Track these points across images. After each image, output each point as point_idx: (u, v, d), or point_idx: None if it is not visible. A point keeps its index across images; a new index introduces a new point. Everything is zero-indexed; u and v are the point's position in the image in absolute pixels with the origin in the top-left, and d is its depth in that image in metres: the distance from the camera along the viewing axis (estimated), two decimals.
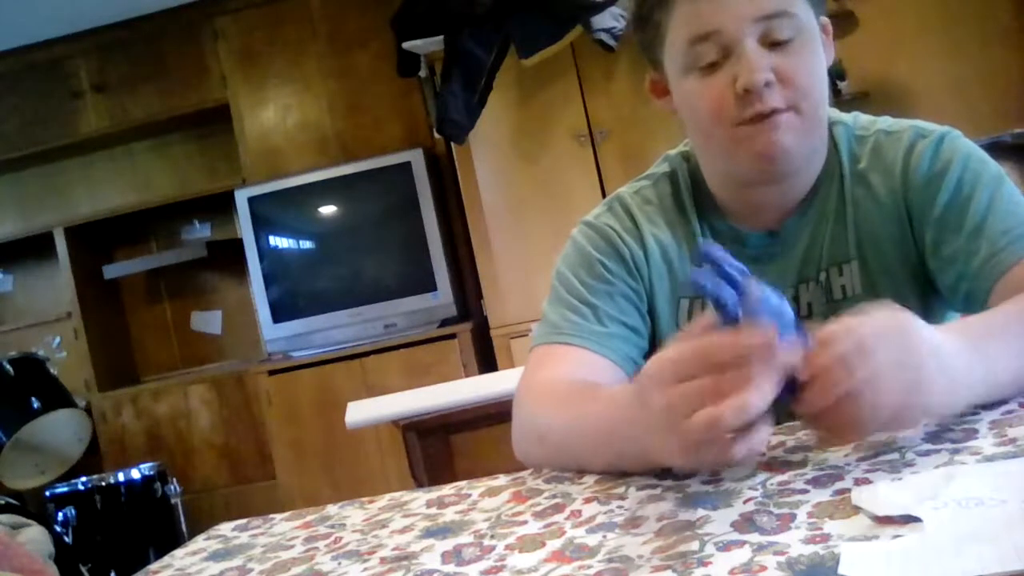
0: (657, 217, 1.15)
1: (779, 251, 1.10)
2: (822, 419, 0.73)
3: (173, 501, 3.65)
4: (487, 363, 3.87)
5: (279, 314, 4.13)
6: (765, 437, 0.70)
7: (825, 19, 1.05)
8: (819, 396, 0.71)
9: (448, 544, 0.78)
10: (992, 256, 0.97)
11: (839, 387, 0.70)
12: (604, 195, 3.62)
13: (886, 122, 1.11)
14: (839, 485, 0.70)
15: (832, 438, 0.76)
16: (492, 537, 0.77)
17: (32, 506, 3.50)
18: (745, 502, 0.71)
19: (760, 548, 0.61)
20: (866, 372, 0.70)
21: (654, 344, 1.14)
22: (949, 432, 0.77)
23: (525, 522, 0.79)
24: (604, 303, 1.11)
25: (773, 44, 0.98)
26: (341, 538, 0.87)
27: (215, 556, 0.91)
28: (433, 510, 0.90)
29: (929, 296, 1.07)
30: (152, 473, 3.65)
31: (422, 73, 3.95)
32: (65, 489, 3.55)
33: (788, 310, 0.72)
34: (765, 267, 1.10)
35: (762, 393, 0.66)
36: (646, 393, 0.73)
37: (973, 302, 0.99)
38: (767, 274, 1.11)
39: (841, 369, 0.70)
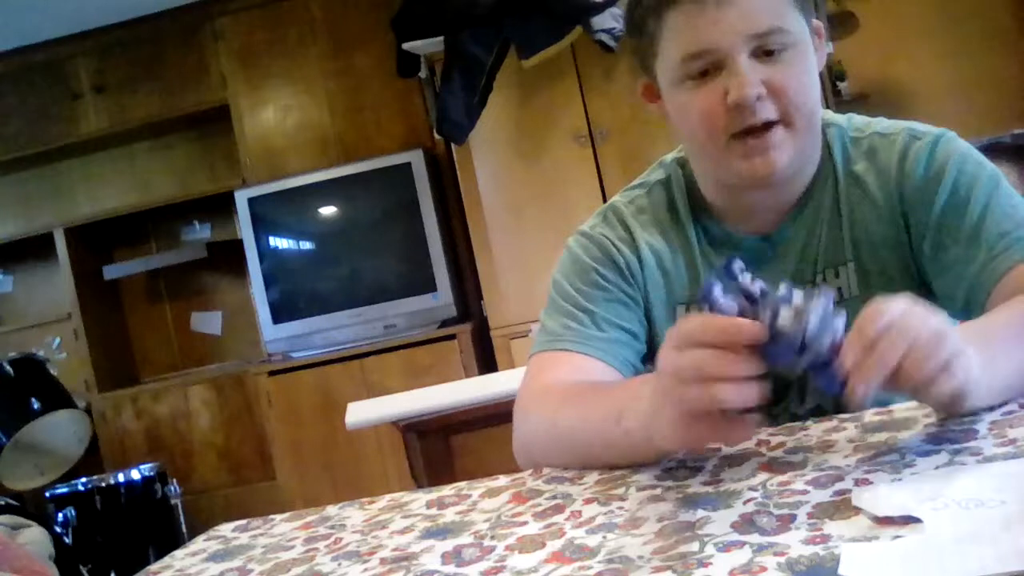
0: (651, 225, 1.15)
1: (774, 254, 1.10)
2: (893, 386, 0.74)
3: (173, 502, 3.65)
4: (487, 364, 3.87)
5: (279, 315, 4.12)
6: (751, 430, 0.76)
7: (817, 22, 1.05)
8: (869, 372, 0.72)
9: (448, 545, 0.78)
10: (989, 261, 0.97)
11: (887, 356, 0.71)
12: (604, 195, 3.62)
13: (881, 124, 1.10)
14: (839, 486, 0.70)
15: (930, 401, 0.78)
16: (492, 538, 0.77)
17: (32, 507, 3.51)
18: (745, 503, 0.71)
19: (760, 549, 0.61)
20: (907, 340, 0.72)
21: (652, 350, 1.14)
22: (949, 432, 0.77)
23: (525, 523, 0.79)
24: (601, 309, 1.11)
25: (765, 54, 0.98)
26: (341, 539, 0.87)
27: (215, 557, 0.91)
28: (433, 511, 0.90)
29: (925, 299, 1.07)
30: (152, 474, 3.64)
31: (422, 73, 3.95)
32: (65, 490, 3.54)
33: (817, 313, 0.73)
34: (760, 270, 1.10)
35: (755, 389, 0.71)
36: (661, 356, 0.76)
37: (971, 308, 0.99)
38: (762, 277, 1.11)
39: (885, 341, 0.71)
